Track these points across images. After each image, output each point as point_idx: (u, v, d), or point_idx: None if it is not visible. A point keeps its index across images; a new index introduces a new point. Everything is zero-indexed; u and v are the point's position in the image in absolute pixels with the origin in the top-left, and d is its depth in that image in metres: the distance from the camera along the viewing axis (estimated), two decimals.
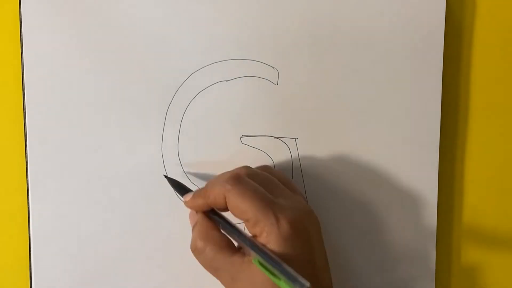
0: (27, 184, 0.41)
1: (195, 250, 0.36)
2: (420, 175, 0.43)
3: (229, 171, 0.37)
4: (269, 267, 0.32)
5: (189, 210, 0.38)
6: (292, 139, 0.42)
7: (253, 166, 0.41)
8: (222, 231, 0.36)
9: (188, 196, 0.38)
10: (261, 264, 0.33)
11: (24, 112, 0.40)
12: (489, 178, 0.45)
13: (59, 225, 0.41)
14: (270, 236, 0.33)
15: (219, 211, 0.37)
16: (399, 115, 0.42)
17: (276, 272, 0.32)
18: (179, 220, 0.41)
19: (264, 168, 0.40)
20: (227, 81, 0.41)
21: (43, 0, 0.40)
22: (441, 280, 0.45)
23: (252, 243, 0.34)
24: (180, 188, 0.39)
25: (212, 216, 0.37)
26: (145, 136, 0.41)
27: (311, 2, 0.41)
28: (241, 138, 0.42)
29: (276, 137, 0.42)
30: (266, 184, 0.36)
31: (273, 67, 0.42)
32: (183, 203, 0.38)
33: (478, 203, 0.45)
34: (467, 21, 0.44)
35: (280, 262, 0.32)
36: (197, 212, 0.37)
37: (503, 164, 0.45)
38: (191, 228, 0.37)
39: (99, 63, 0.41)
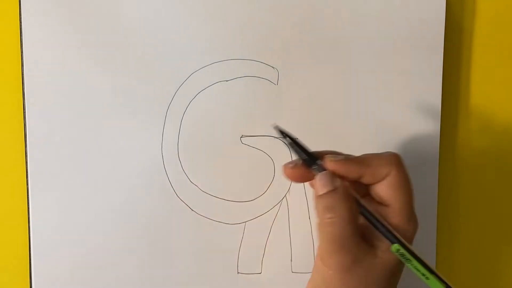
0: (27, 184, 0.41)
1: (343, 217, 0.32)
2: (420, 175, 0.42)
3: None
4: (420, 266, 0.32)
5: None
6: None
7: (252, 167, 0.42)
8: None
9: (337, 157, 0.33)
10: (405, 258, 0.32)
11: (24, 112, 0.40)
12: (489, 178, 0.45)
13: (59, 225, 0.41)
14: (403, 236, 0.32)
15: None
16: (399, 115, 0.42)
17: (427, 271, 0.31)
18: (180, 220, 0.41)
19: None
20: (227, 81, 0.41)
21: (43, 0, 0.40)
22: None
23: (400, 241, 0.32)
24: (300, 149, 0.35)
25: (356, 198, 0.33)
26: (145, 136, 0.41)
27: (311, 2, 0.41)
28: (241, 138, 0.42)
29: (276, 137, 0.42)
30: None
31: (273, 67, 0.42)
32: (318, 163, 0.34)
33: (478, 203, 0.45)
34: (467, 21, 0.44)
35: (429, 265, 0.32)
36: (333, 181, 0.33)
37: (503, 164, 0.45)
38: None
39: (99, 63, 0.41)
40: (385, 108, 0.42)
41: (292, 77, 0.42)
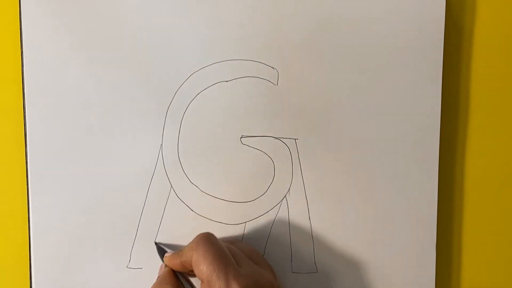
0: (27, 184, 0.41)
1: None
2: (420, 175, 0.43)
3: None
4: None
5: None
6: (292, 139, 0.42)
7: (252, 167, 0.42)
8: None
9: (169, 254, 0.39)
10: None
11: (24, 112, 0.41)
12: (489, 178, 0.45)
13: (59, 225, 0.41)
14: None
15: (188, 275, 0.39)
16: (399, 115, 0.42)
17: None
18: (181, 220, 0.41)
19: (232, 242, 0.41)
20: (227, 81, 0.41)
21: (43, 1, 0.40)
22: (441, 282, 0.45)
23: None
24: (158, 250, 0.41)
25: (179, 276, 0.39)
26: (145, 136, 0.41)
27: (311, 2, 0.41)
28: (241, 138, 0.42)
29: (276, 138, 0.42)
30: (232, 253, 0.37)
31: (273, 68, 0.42)
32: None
33: (478, 203, 0.45)
34: (467, 21, 0.44)
35: None
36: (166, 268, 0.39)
37: (503, 164, 0.45)
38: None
39: (99, 63, 0.41)
40: (385, 108, 0.42)
41: (292, 77, 0.42)
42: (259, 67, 0.41)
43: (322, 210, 0.42)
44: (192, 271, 0.37)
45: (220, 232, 0.42)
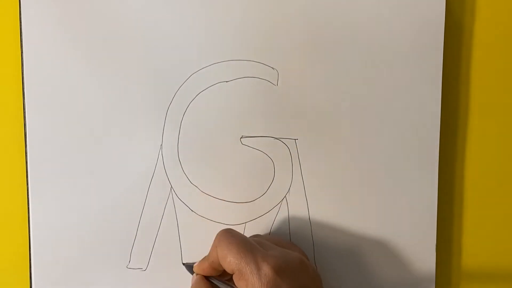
0: (27, 184, 0.41)
1: None
2: (420, 175, 0.43)
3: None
4: None
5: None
6: (292, 139, 0.42)
7: (252, 167, 0.42)
8: None
9: (197, 262, 0.39)
10: None
11: (24, 112, 0.41)
12: (489, 178, 0.45)
13: (59, 225, 0.41)
14: (253, 286, 0.34)
15: (219, 277, 0.39)
16: (399, 115, 0.42)
17: None
18: (180, 221, 0.41)
19: (257, 235, 0.41)
20: (227, 81, 0.41)
21: (43, 1, 0.40)
22: (441, 282, 0.45)
23: None
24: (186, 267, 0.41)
25: (212, 280, 0.38)
26: (145, 136, 0.41)
27: (311, 3, 0.41)
28: (241, 138, 0.42)
29: (276, 138, 0.42)
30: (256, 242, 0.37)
31: (273, 68, 0.41)
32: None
33: (478, 203, 0.45)
34: (467, 21, 0.44)
35: None
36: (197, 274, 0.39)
37: (503, 164, 0.45)
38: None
39: (99, 64, 0.41)
40: (385, 108, 0.42)
41: (292, 78, 0.42)
42: (259, 67, 0.41)
43: (322, 210, 0.42)
44: (225, 271, 0.37)
45: None
